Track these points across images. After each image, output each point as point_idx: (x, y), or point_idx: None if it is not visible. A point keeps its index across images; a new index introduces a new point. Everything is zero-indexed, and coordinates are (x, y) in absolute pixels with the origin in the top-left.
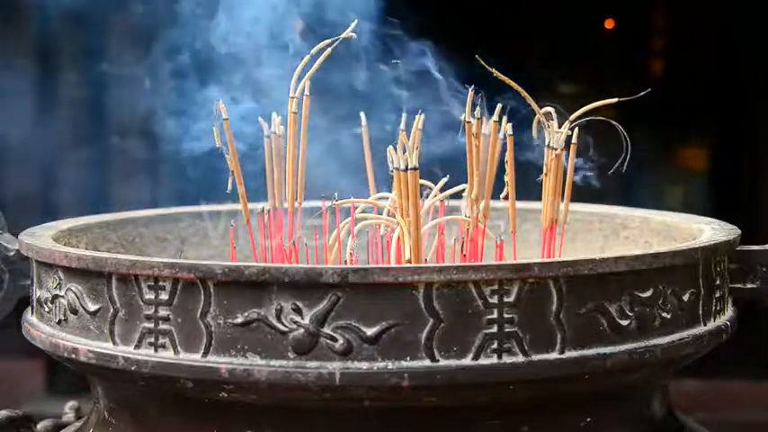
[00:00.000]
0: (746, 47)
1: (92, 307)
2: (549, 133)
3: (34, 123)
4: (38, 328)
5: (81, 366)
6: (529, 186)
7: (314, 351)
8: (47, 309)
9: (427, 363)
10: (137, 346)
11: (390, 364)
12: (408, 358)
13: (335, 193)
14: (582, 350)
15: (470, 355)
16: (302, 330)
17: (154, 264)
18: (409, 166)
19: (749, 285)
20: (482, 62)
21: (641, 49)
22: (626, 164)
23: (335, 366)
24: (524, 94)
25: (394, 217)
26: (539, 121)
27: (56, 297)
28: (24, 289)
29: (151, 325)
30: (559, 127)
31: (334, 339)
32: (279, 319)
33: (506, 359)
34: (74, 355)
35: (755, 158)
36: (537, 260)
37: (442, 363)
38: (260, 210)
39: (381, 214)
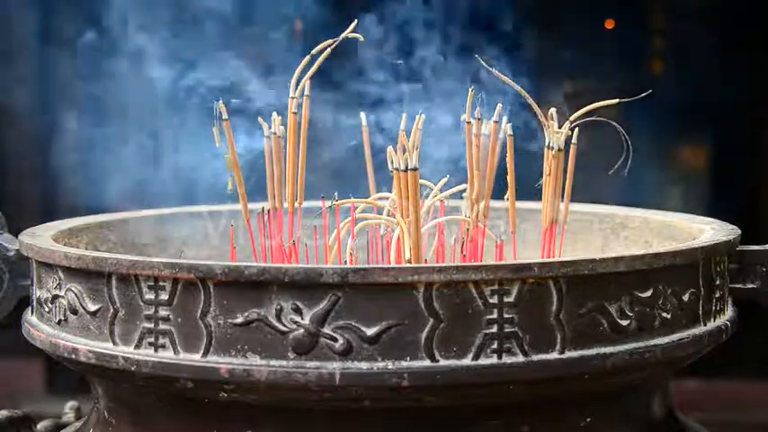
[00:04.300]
0: (747, 46)
1: (92, 307)
2: (549, 133)
3: None
4: (38, 328)
5: (81, 366)
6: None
7: (314, 351)
8: (47, 309)
9: (427, 363)
10: (137, 346)
11: (390, 364)
12: (408, 358)
13: (335, 193)
14: (582, 350)
15: (470, 355)
16: (302, 330)
17: (154, 264)
18: (409, 167)
19: (749, 285)
20: (482, 62)
21: (641, 49)
22: (628, 164)
23: (335, 366)
24: (524, 93)
25: (394, 217)
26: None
27: (56, 297)
28: (24, 289)
29: (151, 325)
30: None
31: (334, 339)
32: (279, 319)
33: (506, 359)
34: (74, 355)
35: (755, 158)
36: (537, 260)
37: (442, 363)
38: (260, 210)
39: (381, 214)
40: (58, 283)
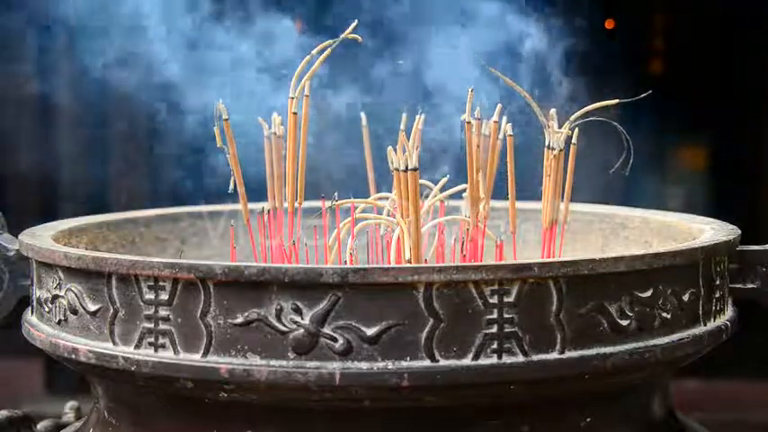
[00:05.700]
0: (747, 46)
1: (92, 307)
2: (549, 134)
3: None
4: (38, 328)
5: (81, 366)
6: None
7: (314, 351)
8: (47, 309)
9: (427, 363)
10: (137, 346)
11: (390, 364)
12: (408, 358)
13: (336, 193)
14: (582, 350)
15: (470, 355)
16: (302, 330)
17: (154, 264)
18: (409, 167)
19: (749, 285)
20: (482, 62)
21: (642, 50)
22: (630, 165)
23: (335, 366)
24: (525, 94)
25: (394, 217)
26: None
27: (56, 297)
28: (24, 289)
29: (151, 325)
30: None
31: (335, 339)
32: (279, 319)
33: (506, 359)
34: (74, 355)
35: (756, 158)
36: (537, 260)
37: (442, 363)
38: (260, 210)
39: (381, 214)
40: (58, 283)
